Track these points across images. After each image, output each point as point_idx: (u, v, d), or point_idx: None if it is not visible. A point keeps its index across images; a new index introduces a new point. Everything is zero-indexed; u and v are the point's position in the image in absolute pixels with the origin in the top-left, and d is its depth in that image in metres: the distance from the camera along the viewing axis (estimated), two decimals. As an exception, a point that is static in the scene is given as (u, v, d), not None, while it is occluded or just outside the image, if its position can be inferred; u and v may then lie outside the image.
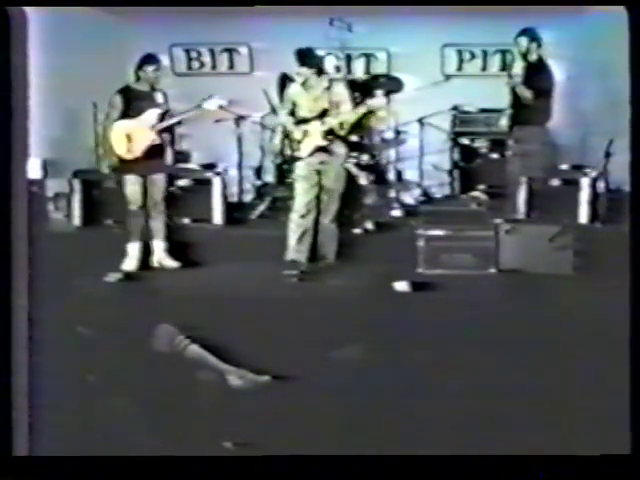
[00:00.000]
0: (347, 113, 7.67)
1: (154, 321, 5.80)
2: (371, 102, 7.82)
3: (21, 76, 4.10)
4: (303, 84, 7.79)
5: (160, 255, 7.84)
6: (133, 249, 7.76)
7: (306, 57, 7.76)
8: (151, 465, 4.20)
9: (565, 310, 6.21)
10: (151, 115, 7.79)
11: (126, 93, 7.79)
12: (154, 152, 7.81)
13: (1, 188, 4.04)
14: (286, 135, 8.02)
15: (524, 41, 8.03)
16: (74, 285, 6.47)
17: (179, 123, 8.07)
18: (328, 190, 7.76)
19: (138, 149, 7.75)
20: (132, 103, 7.78)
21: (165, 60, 9.76)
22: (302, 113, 7.78)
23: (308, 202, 7.74)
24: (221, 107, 8.04)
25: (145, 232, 7.81)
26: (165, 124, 7.82)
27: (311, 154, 7.70)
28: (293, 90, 7.90)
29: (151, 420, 4.75)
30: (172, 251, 7.85)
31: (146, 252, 7.82)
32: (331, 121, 7.65)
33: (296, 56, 7.74)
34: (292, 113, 7.84)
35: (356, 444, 4.48)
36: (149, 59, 7.80)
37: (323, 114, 7.70)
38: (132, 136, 7.73)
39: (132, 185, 7.77)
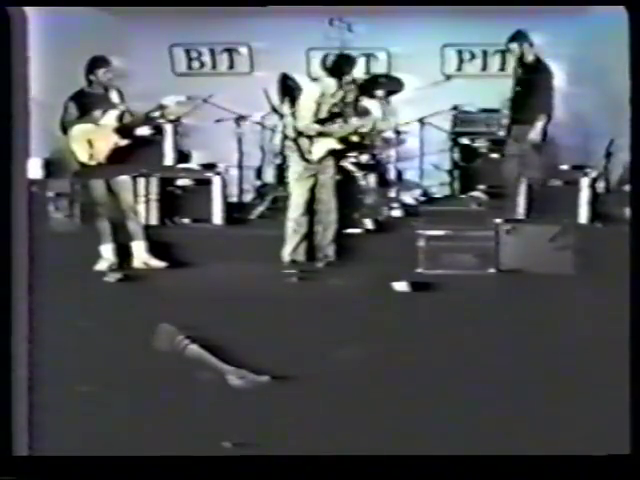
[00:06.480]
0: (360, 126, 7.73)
1: (154, 321, 5.80)
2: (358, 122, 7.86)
3: (21, 76, 4.10)
4: (323, 88, 7.76)
5: (143, 255, 7.77)
6: (106, 251, 7.70)
7: (334, 64, 7.74)
8: (151, 465, 4.20)
9: (565, 310, 6.22)
10: (110, 117, 7.72)
11: (80, 98, 7.71)
12: (118, 154, 7.71)
13: (1, 188, 4.04)
14: (285, 136, 8.03)
15: (515, 46, 8.09)
16: (74, 285, 6.47)
17: (145, 122, 7.90)
18: (326, 189, 7.76)
19: (101, 153, 7.66)
20: (87, 108, 7.70)
21: (164, 60, 9.85)
22: (321, 115, 7.76)
23: (306, 201, 7.74)
24: (179, 103, 7.97)
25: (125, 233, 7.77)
26: (121, 123, 7.71)
27: (323, 157, 7.69)
28: (315, 92, 7.84)
29: (151, 420, 4.75)
30: (172, 251, 7.84)
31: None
32: (348, 128, 7.67)
33: (322, 62, 7.75)
34: (315, 114, 7.80)
35: (356, 444, 4.48)
36: (98, 62, 7.71)
37: (340, 119, 7.71)
38: (93, 141, 7.65)
39: (98, 190, 7.71)
